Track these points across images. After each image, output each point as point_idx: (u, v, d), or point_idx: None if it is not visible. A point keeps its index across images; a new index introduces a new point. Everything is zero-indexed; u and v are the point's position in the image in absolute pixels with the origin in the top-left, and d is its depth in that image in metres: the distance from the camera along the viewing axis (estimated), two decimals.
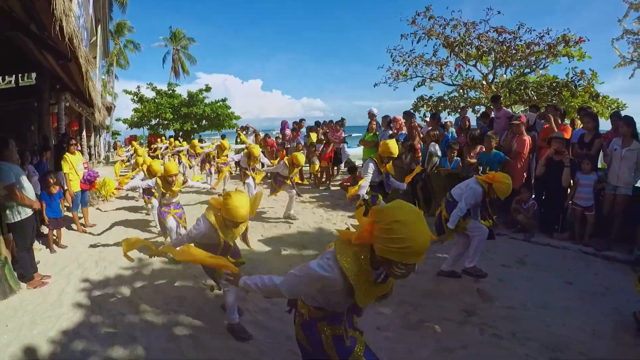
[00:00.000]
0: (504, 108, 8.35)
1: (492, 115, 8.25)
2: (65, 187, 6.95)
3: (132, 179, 7.13)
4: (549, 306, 4.00)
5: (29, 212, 4.75)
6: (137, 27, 47.10)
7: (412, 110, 12.59)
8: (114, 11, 26.02)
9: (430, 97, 14.01)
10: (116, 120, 29.32)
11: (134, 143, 16.79)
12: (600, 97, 11.43)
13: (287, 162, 7.14)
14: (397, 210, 1.67)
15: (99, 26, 14.76)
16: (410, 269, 1.68)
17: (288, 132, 12.98)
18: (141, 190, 7.32)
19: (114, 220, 7.86)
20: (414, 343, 3.43)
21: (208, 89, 27.55)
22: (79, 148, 10.26)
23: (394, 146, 5.28)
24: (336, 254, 1.82)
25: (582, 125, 6.52)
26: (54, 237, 6.13)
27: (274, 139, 13.98)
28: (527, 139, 6.57)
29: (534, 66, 12.24)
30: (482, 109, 12.46)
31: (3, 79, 9.86)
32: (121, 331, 3.68)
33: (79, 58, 5.54)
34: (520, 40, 12.01)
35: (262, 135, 14.04)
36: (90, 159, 16.09)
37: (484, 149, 6.81)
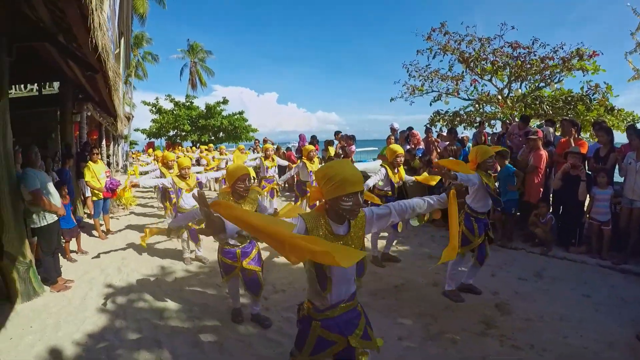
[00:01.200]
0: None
1: (511, 131, 8.14)
2: (87, 195, 7.04)
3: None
4: (565, 318, 3.99)
5: (54, 217, 4.88)
6: (155, 38, 47.77)
7: (428, 125, 12.61)
8: (134, 23, 26.43)
9: (447, 111, 14.07)
10: (134, 130, 29.84)
11: (151, 151, 16.91)
12: (616, 110, 11.35)
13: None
14: (326, 164, 2.01)
15: (122, 39, 15.06)
16: (355, 200, 1.90)
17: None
18: (159, 196, 7.43)
19: (134, 228, 8.05)
20: (435, 353, 3.46)
21: (225, 101, 27.95)
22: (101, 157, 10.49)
23: (396, 147, 5.47)
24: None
25: (597, 139, 6.48)
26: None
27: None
28: (544, 153, 6.55)
29: (548, 80, 12.22)
30: (498, 123, 12.46)
31: (25, 87, 10.17)
32: (146, 336, 3.74)
33: (108, 71, 5.57)
34: (535, 55, 12.04)
35: (283, 148, 14.21)
36: (109, 168, 16.42)
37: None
